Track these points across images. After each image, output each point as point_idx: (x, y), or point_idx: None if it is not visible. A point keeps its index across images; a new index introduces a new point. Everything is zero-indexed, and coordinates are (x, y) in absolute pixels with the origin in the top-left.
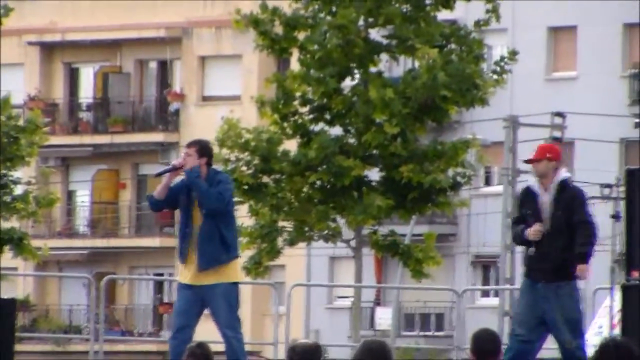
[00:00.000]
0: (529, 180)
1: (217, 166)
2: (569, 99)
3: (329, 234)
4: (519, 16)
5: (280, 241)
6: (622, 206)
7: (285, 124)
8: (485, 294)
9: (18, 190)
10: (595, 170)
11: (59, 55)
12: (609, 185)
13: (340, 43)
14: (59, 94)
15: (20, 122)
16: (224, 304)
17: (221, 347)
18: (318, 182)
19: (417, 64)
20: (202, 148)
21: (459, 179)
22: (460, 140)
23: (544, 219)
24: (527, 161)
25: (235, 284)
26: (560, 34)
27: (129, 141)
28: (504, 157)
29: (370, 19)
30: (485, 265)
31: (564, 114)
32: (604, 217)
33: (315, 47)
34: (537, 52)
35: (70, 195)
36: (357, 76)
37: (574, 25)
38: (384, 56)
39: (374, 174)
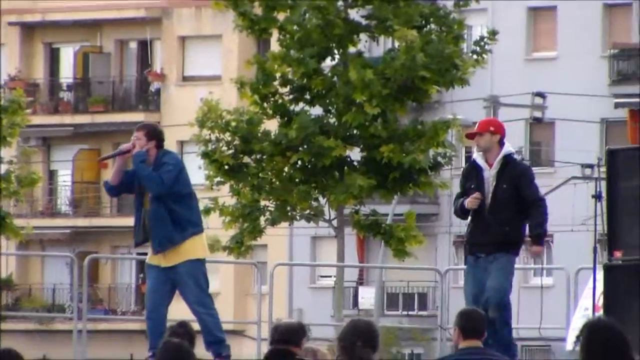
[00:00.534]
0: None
1: (198, 147)
2: (550, 79)
3: (311, 213)
4: None
5: (262, 221)
6: (603, 186)
7: (265, 105)
8: None
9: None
10: (576, 150)
11: (39, 35)
12: (590, 166)
13: (319, 23)
14: (39, 74)
15: (1, 102)
16: (190, 281)
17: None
18: (299, 162)
19: (396, 44)
20: (151, 131)
21: (439, 159)
22: (441, 121)
23: (487, 193)
24: (469, 134)
25: (200, 260)
26: (540, 14)
27: (110, 121)
28: None
29: None
30: None
31: (545, 94)
32: (586, 197)
33: (295, 27)
34: (517, 32)
35: (51, 175)
36: (337, 57)
37: (554, 5)
38: (363, 36)
39: (355, 154)
